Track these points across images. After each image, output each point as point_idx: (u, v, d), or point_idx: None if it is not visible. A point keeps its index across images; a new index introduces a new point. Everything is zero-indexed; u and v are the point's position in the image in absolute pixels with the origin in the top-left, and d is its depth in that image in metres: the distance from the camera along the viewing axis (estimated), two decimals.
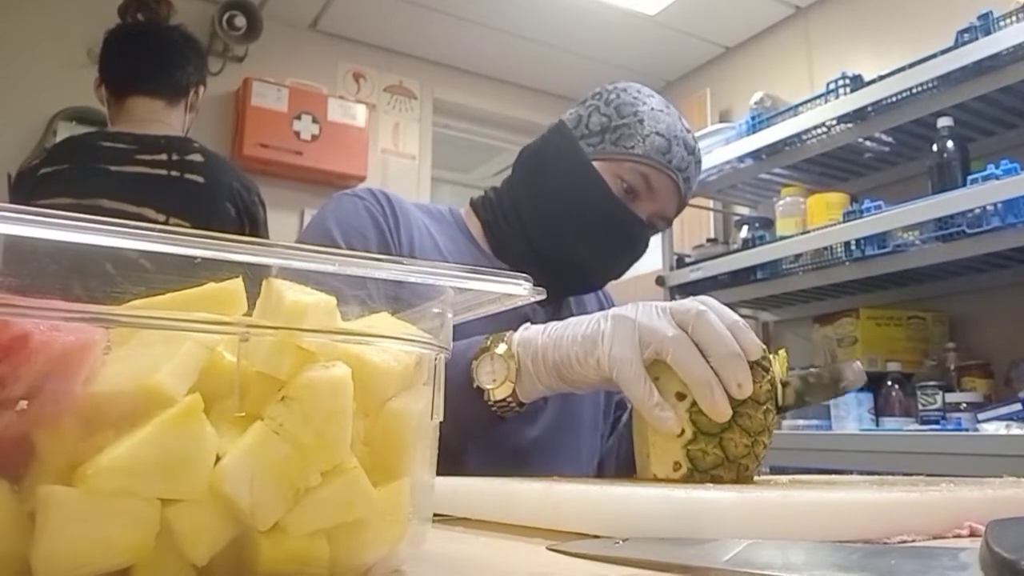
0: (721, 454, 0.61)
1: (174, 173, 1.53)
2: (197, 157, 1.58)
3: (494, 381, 0.72)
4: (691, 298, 0.67)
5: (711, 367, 0.61)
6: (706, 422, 0.61)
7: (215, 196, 1.57)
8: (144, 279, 0.32)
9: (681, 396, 0.63)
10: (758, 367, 0.63)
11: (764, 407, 0.63)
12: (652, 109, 1.00)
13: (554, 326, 0.72)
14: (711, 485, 0.54)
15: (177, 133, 1.65)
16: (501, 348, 0.73)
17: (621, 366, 0.64)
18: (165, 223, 1.38)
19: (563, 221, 0.99)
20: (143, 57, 1.64)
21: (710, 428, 0.62)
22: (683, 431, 0.62)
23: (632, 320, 0.65)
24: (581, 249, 1.00)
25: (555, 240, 1.00)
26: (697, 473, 0.62)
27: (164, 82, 1.64)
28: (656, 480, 0.64)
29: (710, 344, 0.62)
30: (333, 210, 0.99)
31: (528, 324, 0.75)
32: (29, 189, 1.53)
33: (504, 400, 0.73)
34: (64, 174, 1.52)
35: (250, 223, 1.62)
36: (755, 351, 0.63)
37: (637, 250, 1.04)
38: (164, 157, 1.54)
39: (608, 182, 0.98)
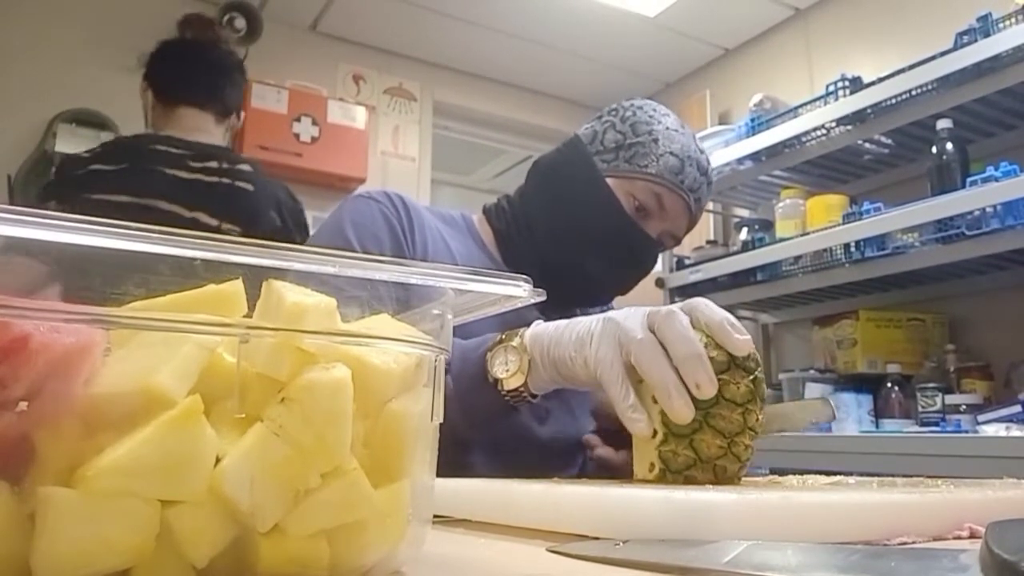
0: (693, 455, 0.61)
1: (225, 180, 1.60)
2: (246, 167, 1.65)
3: (507, 371, 0.75)
4: (687, 300, 0.67)
5: (675, 368, 0.61)
6: (676, 424, 0.61)
7: (263, 204, 1.64)
8: (145, 281, 0.32)
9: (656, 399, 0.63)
10: (739, 368, 0.62)
11: (742, 408, 0.62)
12: (667, 128, 1.02)
13: (562, 323, 0.74)
14: (711, 487, 0.54)
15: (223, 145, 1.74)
16: (515, 341, 0.76)
17: (602, 367, 0.66)
18: (218, 228, 1.51)
19: (573, 235, 1.01)
20: (201, 71, 1.74)
21: (680, 430, 0.61)
22: (655, 432, 0.63)
23: (618, 323, 0.66)
24: (590, 263, 1.01)
25: (564, 252, 1.01)
26: (670, 474, 0.62)
27: (216, 98, 1.74)
28: (638, 481, 0.64)
29: (673, 345, 0.62)
30: (349, 211, 1.00)
31: (539, 321, 0.77)
32: (77, 181, 1.57)
33: (516, 390, 0.75)
34: (123, 173, 1.57)
35: (299, 230, 1.70)
36: (741, 349, 0.62)
37: (645, 267, 1.06)
38: (215, 164, 1.61)
39: (620, 199, 1.00)
